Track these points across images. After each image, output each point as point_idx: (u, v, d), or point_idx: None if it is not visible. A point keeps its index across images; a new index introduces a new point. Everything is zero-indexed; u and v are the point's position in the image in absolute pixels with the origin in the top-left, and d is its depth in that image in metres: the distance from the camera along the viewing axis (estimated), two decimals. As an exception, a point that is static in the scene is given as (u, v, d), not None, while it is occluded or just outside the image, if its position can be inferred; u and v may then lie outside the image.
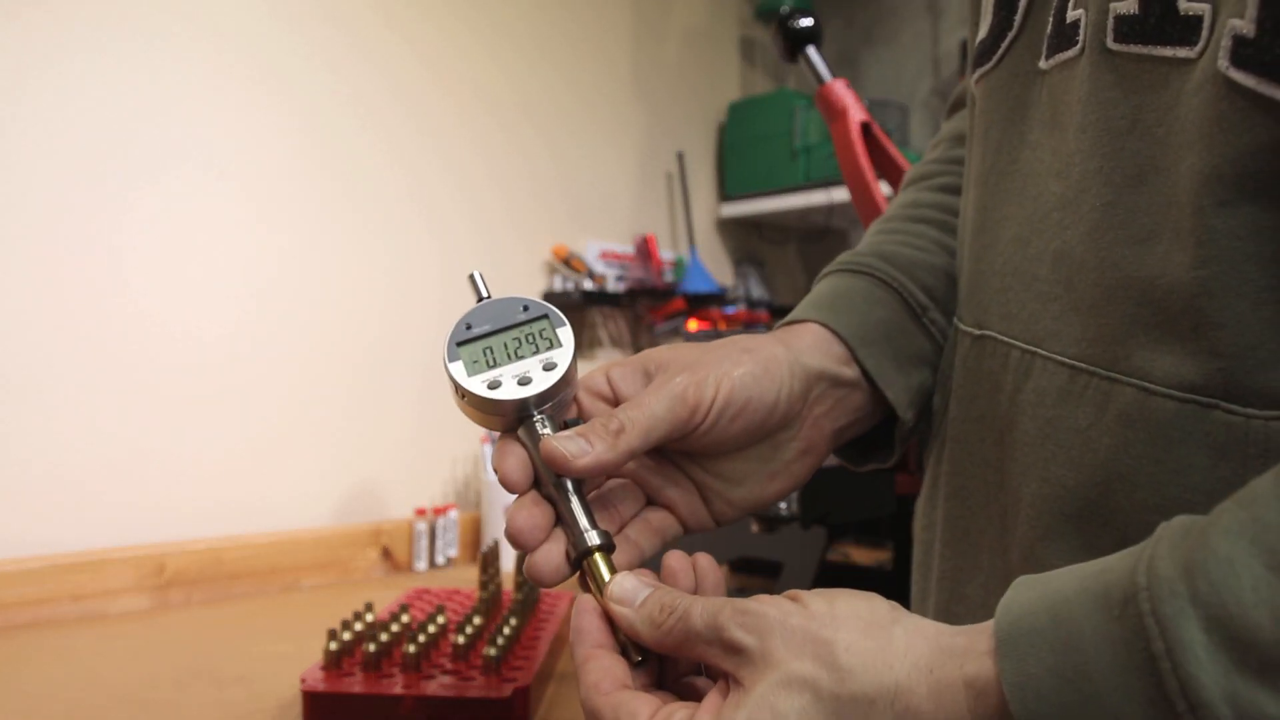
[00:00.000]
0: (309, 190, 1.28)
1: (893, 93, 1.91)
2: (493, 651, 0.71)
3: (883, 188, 1.04)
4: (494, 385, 0.41)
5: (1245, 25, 0.32)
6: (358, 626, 0.77)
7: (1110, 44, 0.38)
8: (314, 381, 1.28)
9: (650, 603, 0.37)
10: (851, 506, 0.98)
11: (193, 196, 1.17)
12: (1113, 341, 0.38)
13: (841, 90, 1.04)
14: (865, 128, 1.04)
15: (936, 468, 0.51)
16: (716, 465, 0.46)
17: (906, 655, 0.32)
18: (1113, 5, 0.37)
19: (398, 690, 0.67)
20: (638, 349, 1.61)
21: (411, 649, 0.71)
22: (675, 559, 0.40)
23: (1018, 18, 0.43)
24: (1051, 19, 0.41)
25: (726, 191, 1.87)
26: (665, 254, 1.72)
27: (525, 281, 1.54)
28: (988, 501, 0.45)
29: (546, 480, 0.40)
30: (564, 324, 0.43)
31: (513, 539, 0.40)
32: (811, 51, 1.07)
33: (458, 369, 0.41)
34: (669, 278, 1.69)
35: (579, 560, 0.39)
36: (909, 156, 1.51)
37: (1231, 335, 0.34)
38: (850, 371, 0.48)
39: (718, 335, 1.67)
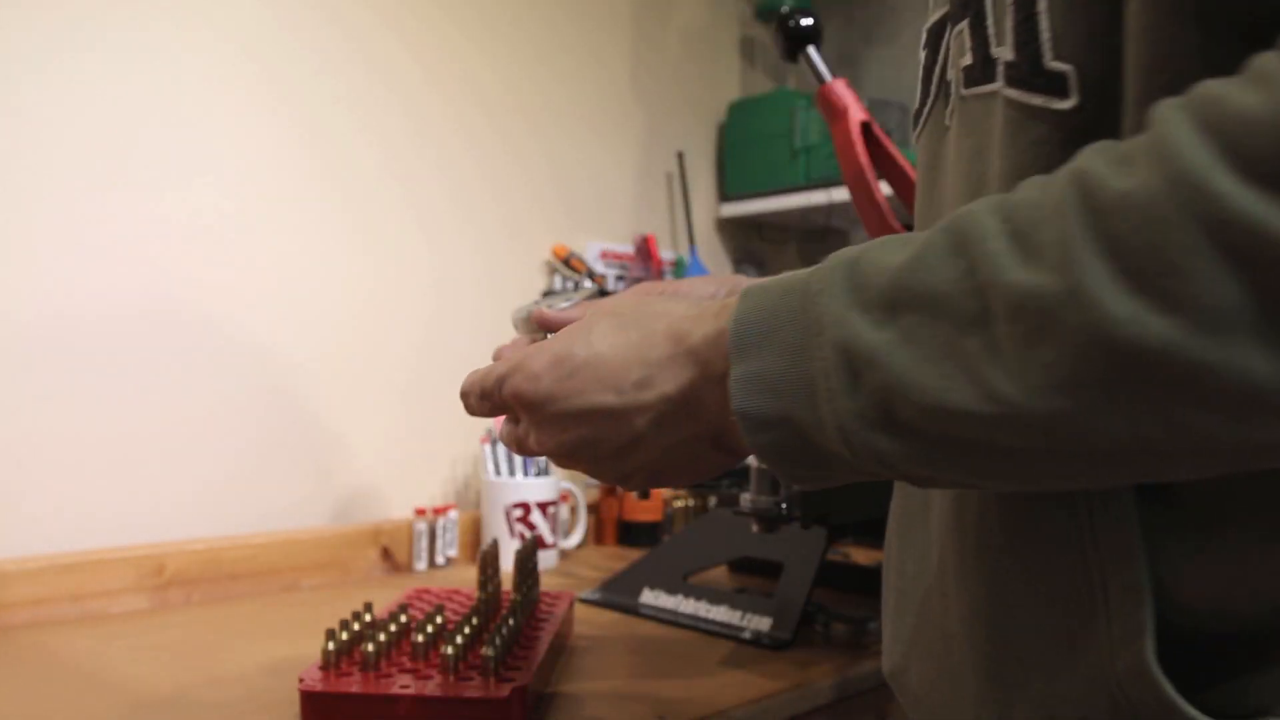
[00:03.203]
0: (306, 191, 1.28)
1: (893, 92, 1.91)
2: (491, 652, 0.71)
3: (883, 187, 1.04)
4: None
5: (1008, 52, 0.42)
6: (356, 626, 0.77)
7: (962, 92, 0.46)
8: (312, 381, 1.27)
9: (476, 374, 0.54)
10: (851, 506, 0.98)
11: (189, 197, 1.17)
12: None
13: (842, 90, 1.04)
14: (866, 127, 1.03)
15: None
16: None
17: (676, 298, 0.51)
18: (960, 61, 0.46)
19: (396, 690, 0.67)
20: (638, 349, 1.61)
21: (410, 649, 0.71)
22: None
23: (933, 87, 0.51)
24: (951, 83, 0.49)
25: (726, 191, 1.87)
26: (665, 254, 1.72)
27: (525, 281, 1.53)
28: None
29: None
30: (592, 291, 0.61)
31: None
32: (811, 51, 1.07)
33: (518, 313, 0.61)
34: (669, 277, 1.69)
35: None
36: (909, 156, 1.51)
37: None
38: None
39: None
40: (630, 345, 0.46)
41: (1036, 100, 0.41)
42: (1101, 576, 0.39)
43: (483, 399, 0.52)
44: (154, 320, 1.14)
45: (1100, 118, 0.39)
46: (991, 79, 0.43)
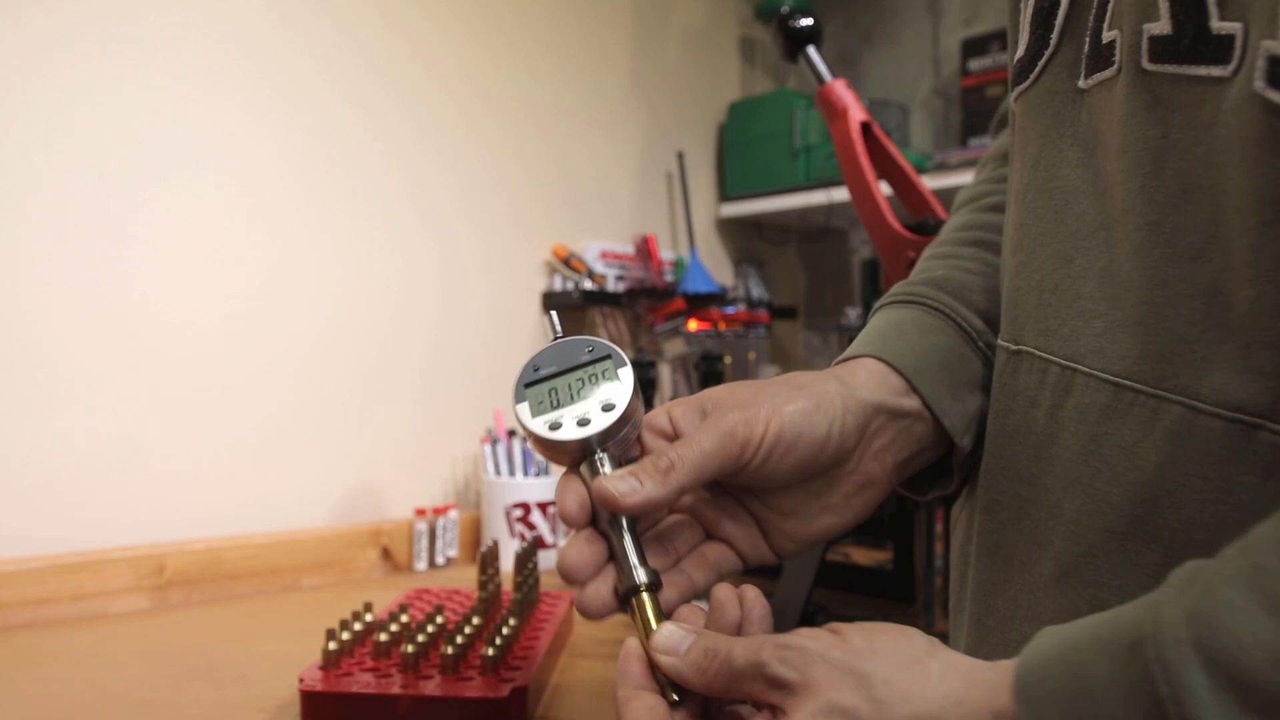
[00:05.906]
0: (309, 190, 1.28)
1: (893, 92, 1.91)
2: (491, 652, 0.71)
3: (883, 188, 1.04)
4: (555, 426, 0.43)
5: (1278, 46, 0.32)
6: (356, 626, 0.77)
7: (1145, 64, 0.38)
8: (314, 381, 1.28)
9: (694, 650, 0.38)
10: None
11: (193, 197, 1.17)
12: (1159, 359, 0.38)
13: (842, 90, 1.04)
14: (866, 127, 1.03)
15: (974, 480, 0.50)
16: (774, 500, 0.46)
17: (940, 687, 0.34)
18: (1146, 26, 0.38)
19: (396, 690, 0.67)
20: (638, 349, 1.61)
21: (410, 649, 0.71)
22: (722, 591, 0.41)
23: (1054, 37, 0.44)
24: (1088, 39, 0.41)
25: (726, 191, 1.87)
26: (665, 254, 1.72)
27: (525, 282, 1.54)
28: (1019, 515, 0.45)
29: (602, 517, 0.42)
30: (625, 364, 0.44)
31: (564, 574, 0.41)
32: (811, 51, 1.07)
33: (524, 410, 0.44)
34: (669, 277, 1.69)
35: (626, 597, 0.41)
36: (909, 156, 1.51)
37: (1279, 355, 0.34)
38: (910, 402, 0.47)
39: (718, 335, 1.67)
40: None
41: None
42: None
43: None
44: (156, 320, 1.14)
45: None
46: (1219, 60, 0.35)
